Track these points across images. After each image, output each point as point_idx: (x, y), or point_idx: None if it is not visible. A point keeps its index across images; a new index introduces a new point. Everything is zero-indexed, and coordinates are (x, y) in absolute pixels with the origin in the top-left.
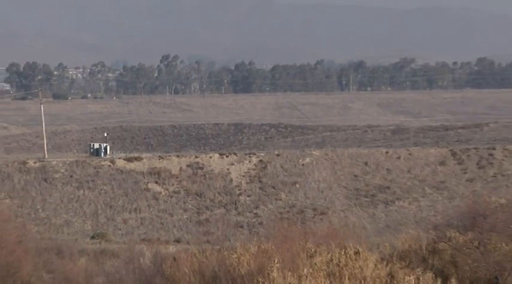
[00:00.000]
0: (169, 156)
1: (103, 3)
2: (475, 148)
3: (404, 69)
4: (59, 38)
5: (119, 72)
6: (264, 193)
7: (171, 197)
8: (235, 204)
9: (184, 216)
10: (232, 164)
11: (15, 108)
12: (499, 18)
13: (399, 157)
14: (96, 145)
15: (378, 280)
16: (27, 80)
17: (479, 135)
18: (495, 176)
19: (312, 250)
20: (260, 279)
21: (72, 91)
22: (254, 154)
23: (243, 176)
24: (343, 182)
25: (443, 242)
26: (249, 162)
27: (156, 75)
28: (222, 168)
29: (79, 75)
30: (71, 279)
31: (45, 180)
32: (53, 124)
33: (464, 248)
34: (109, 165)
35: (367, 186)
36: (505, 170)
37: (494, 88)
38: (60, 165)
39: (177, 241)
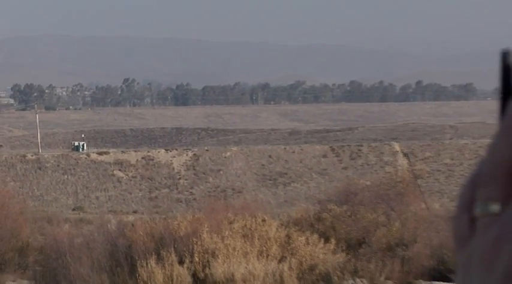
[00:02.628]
0: (129, 151)
1: (81, 42)
2: (348, 145)
3: (298, 88)
4: (50, 67)
5: (92, 90)
6: (197, 177)
7: (130, 180)
8: (176, 186)
9: (140, 194)
10: (174, 157)
11: (17, 116)
12: (363, 51)
13: (294, 152)
14: (76, 143)
15: (278, 239)
16: (26, 96)
17: (351, 136)
18: (362, 165)
19: (232, 218)
20: (194, 239)
21: (59, 104)
22: (190, 149)
23: (182, 165)
24: (254, 169)
25: (325, 212)
26: (186, 155)
27: (119, 93)
28: (166, 160)
29: (64, 92)
30: (58, 240)
31: (40, 168)
32: (45, 128)
33: (341, 217)
34: (85, 157)
35: (271, 172)
36: (369, 161)
37: (361, 102)
38: (50, 157)
39: (135, 212)
